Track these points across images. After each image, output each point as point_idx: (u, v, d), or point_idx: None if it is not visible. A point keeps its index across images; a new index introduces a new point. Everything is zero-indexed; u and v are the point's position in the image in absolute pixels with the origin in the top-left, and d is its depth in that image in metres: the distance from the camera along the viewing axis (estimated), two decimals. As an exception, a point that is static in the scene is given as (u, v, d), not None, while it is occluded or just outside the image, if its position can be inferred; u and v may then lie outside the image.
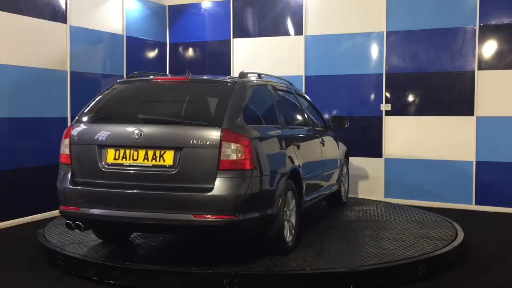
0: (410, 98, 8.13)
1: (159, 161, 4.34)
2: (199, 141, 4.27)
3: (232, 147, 4.25)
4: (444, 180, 7.97)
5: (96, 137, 4.55)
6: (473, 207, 7.84)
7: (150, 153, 4.37)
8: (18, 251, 5.58)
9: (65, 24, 7.35)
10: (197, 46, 9.31)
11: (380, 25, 8.19)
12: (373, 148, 8.19)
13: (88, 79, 7.68)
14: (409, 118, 8.14)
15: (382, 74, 8.21)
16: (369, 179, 8.32)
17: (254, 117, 4.89)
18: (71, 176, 4.61)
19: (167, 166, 4.32)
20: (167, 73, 9.30)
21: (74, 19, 7.46)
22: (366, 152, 8.08)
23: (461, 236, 5.55)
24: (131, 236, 5.51)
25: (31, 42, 6.89)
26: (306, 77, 8.60)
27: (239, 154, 4.26)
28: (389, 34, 8.15)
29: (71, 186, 4.57)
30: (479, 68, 7.73)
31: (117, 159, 4.45)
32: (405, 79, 8.14)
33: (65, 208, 4.62)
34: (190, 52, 9.37)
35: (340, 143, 7.08)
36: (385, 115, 8.23)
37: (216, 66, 9.07)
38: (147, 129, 4.41)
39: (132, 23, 8.55)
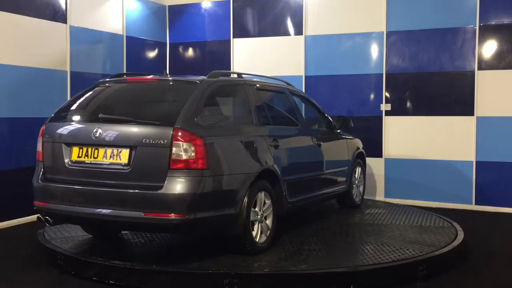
0: (410, 98, 8.13)
1: (116, 159, 4.46)
2: (151, 140, 4.33)
3: (184, 147, 4.28)
4: (444, 180, 7.97)
5: (64, 135, 4.75)
6: (473, 207, 7.83)
7: (109, 151, 4.49)
8: (18, 251, 5.58)
9: (65, 24, 7.35)
10: (197, 46, 9.31)
11: (380, 25, 8.18)
12: (373, 148, 8.18)
13: (88, 79, 7.65)
14: (409, 118, 8.14)
15: (382, 74, 8.21)
16: (370, 179, 8.31)
17: (219, 117, 4.94)
18: (42, 172, 4.81)
19: (123, 164, 4.43)
20: (167, 73, 9.31)
21: (74, 19, 7.46)
22: (366, 152, 8.06)
23: (461, 236, 5.55)
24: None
25: (31, 42, 6.89)
26: (306, 77, 8.60)
27: (191, 154, 4.28)
28: (389, 34, 8.15)
29: (41, 182, 4.78)
30: (479, 68, 7.73)
31: (80, 157, 4.60)
32: (405, 79, 8.14)
33: (36, 203, 4.82)
34: (190, 52, 9.37)
35: (350, 144, 6.96)
36: (385, 115, 8.23)
37: (216, 66, 9.05)
38: (105, 128, 4.54)
39: (132, 23, 8.55)
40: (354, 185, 7.01)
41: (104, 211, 4.44)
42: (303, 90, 8.44)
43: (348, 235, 5.67)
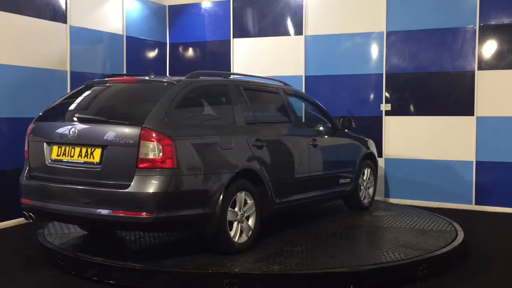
0: (410, 98, 8.13)
1: (90, 158, 4.57)
2: (120, 139, 4.42)
3: (151, 146, 4.33)
4: (444, 180, 7.97)
5: (45, 134, 4.90)
6: (473, 207, 7.84)
7: (83, 150, 4.60)
8: (18, 251, 5.58)
9: (65, 24, 7.35)
10: (197, 46, 9.31)
11: (380, 25, 8.19)
12: (373, 148, 8.18)
13: (88, 79, 7.59)
14: (409, 118, 8.14)
15: (382, 74, 8.21)
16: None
17: (194, 117, 4.95)
18: (28, 170, 4.99)
19: (95, 163, 4.53)
20: (167, 73, 9.32)
21: (74, 19, 7.46)
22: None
23: (461, 236, 5.55)
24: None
25: (31, 42, 6.89)
26: (306, 77, 8.60)
27: (158, 153, 4.33)
28: (389, 34, 8.15)
29: (25, 180, 4.95)
30: (479, 68, 7.74)
31: (59, 156, 4.74)
32: (405, 79, 8.14)
33: (22, 200, 4.99)
34: (190, 52, 9.37)
35: (357, 144, 6.85)
36: (385, 115, 8.23)
37: (216, 66, 9.07)
38: (80, 128, 4.67)
39: (132, 23, 8.55)
40: (362, 187, 6.88)
41: (78, 208, 4.55)
42: (303, 90, 8.44)
43: (341, 237, 5.56)
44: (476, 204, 7.84)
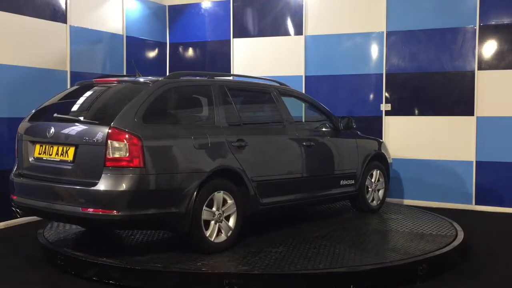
0: (410, 98, 8.13)
1: (65, 156, 4.71)
2: (90, 138, 4.54)
3: (118, 145, 4.42)
4: (444, 180, 7.98)
5: (30, 134, 5.08)
6: (473, 207, 7.84)
7: (60, 149, 4.75)
8: (18, 251, 5.58)
9: (65, 24, 7.35)
10: (197, 46, 9.31)
11: (380, 25, 8.19)
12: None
13: (88, 79, 7.62)
14: (409, 118, 8.14)
15: (382, 74, 8.22)
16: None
17: (169, 117, 4.98)
18: (16, 168, 5.20)
19: (69, 161, 4.68)
20: (167, 73, 9.31)
21: (74, 19, 7.46)
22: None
23: (461, 236, 5.54)
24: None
25: (31, 42, 6.89)
26: (306, 77, 8.60)
27: (125, 152, 4.41)
28: (389, 34, 8.16)
29: (13, 177, 5.13)
30: (479, 68, 7.74)
31: (40, 154, 4.92)
32: (405, 79, 8.14)
33: (11, 196, 5.14)
34: (190, 52, 9.37)
35: (363, 145, 6.68)
36: (385, 115, 8.24)
37: (216, 66, 9.07)
38: (57, 127, 4.82)
39: (132, 23, 8.55)
40: (370, 189, 6.73)
41: (54, 205, 4.68)
42: (303, 90, 8.44)
43: (330, 239, 5.42)
44: (476, 204, 7.85)
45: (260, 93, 5.96)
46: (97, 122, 4.60)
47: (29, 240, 5.82)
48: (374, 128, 8.20)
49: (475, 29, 7.71)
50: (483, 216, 7.50)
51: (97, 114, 4.79)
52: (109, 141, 4.42)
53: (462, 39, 7.80)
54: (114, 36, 8.21)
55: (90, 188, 4.45)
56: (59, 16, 7.27)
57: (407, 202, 7.96)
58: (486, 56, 7.71)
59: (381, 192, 6.95)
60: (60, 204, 4.63)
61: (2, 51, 6.53)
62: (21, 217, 5.21)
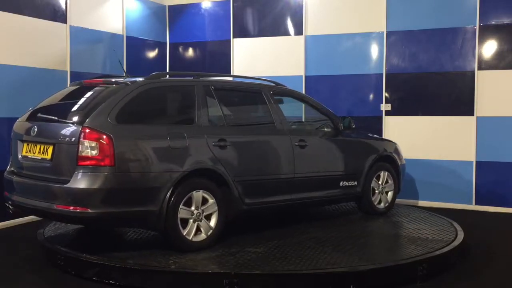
0: (410, 98, 8.13)
1: (45, 155, 4.86)
2: (65, 138, 4.70)
3: (89, 144, 4.55)
4: (444, 180, 7.97)
5: (20, 132, 5.25)
6: (473, 207, 7.84)
7: (41, 147, 4.90)
8: (18, 251, 5.59)
9: (65, 24, 7.36)
10: (197, 46, 9.31)
11: (380, 25, 8.19)
12: (373, 148, 8.17)
13: (88, 79, 7.66)
14: (409, 118, 8.14)
15: (382, 74, 8.22)
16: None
17: (145, 117, 5.01)
18: (9, 165, 5.38)
19: (47, 159, 4.83)
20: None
21: (74, 19, 7.46)
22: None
23: (461, 236, 5.54)
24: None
25: (31, 42, 6.89)
26: (306, 77, 8.60)
27: (97, 151, 4.54)
28: (389, 34, 8.16)
29: (6, 174, 5.31)
30: (479, 68, 7.74)
31: (27, 152, 5.08)
32: (405, 79, 8.14)
33: (4, 192, 5.32)
34: (190, 52, 9.37)
35: (368, 146, 6.53)
36: (385, 115, 8.24)
37: (216, 66, 9.08)
38: (39, 127, 5.01)
39: (132, 23, 8.55)
40: (377, 191, 6.53)
41: (35, 202, 4.84)
42: (303, 90, 8.44)
43: (319, 241, 5.29)
44: (476, 204, 7.85)
45: (250, 93, 5.93)
46: (72, 122, 4.75)
47: (29, 240, 5.82)
48: (374, 128, 8.19)
49: (475, 29, 7.71)
50: (483, 216, 7.50)
51: (75, 114, 4.89)
52: (81, 140, 4.56)
53: (462, 39, 7.81)
54: (114, 36, 8.21)
55: (63, 186, 4.60)
56: (59, 16, 7.27)
57: (407, 202, 7.95)
58: (486, 56, 7.71)
59: (390, 194, 6.73)
60: (39, 201, 4.78)
61: (2, 51, 6.53)
62: (13, 212, 5.37)
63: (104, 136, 4.54)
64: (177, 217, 4.80)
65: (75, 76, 7.41)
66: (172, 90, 5.38)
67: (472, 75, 7.78)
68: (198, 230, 4.96)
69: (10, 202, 5.17)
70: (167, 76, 5.72)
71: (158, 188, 4.73)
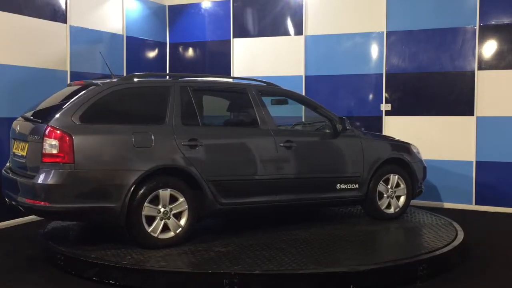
0: (410, 98, 8.13)
1: (23, 152, 5.18)
2: (34, 136, 5.00)
3: (50, 142, 4.79)
4: (444, 180, 7.97)
5: (13, 130, 5.54)
6: (473, 207, 7.84)
7: (21, 145, 5.22)
8: (18, 251, 5.59)
9: (65, 24, 7.35)
10: (197, 46, 9.31)
11: (380, 25, 8.19)
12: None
13: (88, 79, 7.64)
14: (409, 118, 8.14)
15: (382, 74, 8.22)
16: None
17: (112, 117, 5.10)
18: (8, 163, 5.66)
19: (24, 156, 5.15)
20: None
21: (74, 19, 7.46)
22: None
23: (461, 236, 5.55)
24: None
25: (31, 42, 6.89)
26: (306, 77, 8.60)
27: (58, 149, 4.77)
28: (389, 34, 8.16)
29: (3, 171, 5.58)
30: (479, 68, 7.74)
31: (15, 150, 5.39)
32: (405, 79, 8.14)
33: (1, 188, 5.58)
34: (190, 52, 9.37)
35: (372, 147, 6.22)
36: (385, 115, 8.24)
37: (216, 66, 9.08)
38: (21, 126, 5.34)
39: (132, 23, 8.55)
40: (385, 195, 6.26)
41: (14, 196, 5.12)
42: (303, 90, 8.44)
43: (296, 242, 5.23)
44: (476, 204, 7.84)
45: (234, 94, 5.94)
46: (41, 121, 5.00)
47: (29, 240, 5.82)
48: (374, 128, 8.19)
49: (475, 29, 7.71)
50: (483, 216, 7.50)
51: (46, 114, 5.09)
52: (44, 138, 4.79)
53: (462, 39, 7.80)
54: (114, 36, 8.21)
55: (30, 181, 4.86)
56: (59, 16, 7.27)
57: (407, 202, 7.95)
58: (486, 56, 7.71)
59: (402, 199, 6.39)
60: (18, 195, 5.04)
61: (2, 51, 6.53)
62: (8, 205, 5.48)
63: (64, 135, 4.75)
64: (141, 214, 4.93)
65: (75, 76, 7.41)
66: (144, 91, 5.42)
67: (472, 75, 7.78)
68: (166, 228, 5.05)
69: (7, 199, 5.36)
70: (144, 77, 5.70)
71: (119, 185, 4.87)
